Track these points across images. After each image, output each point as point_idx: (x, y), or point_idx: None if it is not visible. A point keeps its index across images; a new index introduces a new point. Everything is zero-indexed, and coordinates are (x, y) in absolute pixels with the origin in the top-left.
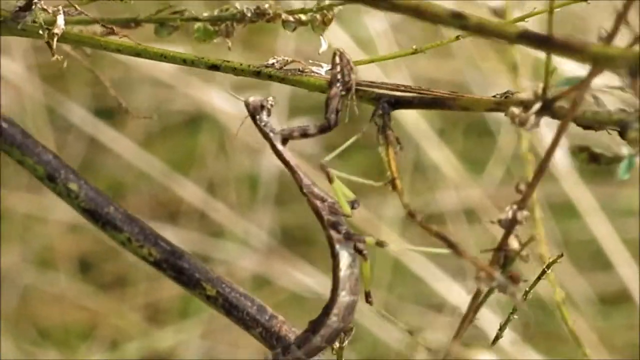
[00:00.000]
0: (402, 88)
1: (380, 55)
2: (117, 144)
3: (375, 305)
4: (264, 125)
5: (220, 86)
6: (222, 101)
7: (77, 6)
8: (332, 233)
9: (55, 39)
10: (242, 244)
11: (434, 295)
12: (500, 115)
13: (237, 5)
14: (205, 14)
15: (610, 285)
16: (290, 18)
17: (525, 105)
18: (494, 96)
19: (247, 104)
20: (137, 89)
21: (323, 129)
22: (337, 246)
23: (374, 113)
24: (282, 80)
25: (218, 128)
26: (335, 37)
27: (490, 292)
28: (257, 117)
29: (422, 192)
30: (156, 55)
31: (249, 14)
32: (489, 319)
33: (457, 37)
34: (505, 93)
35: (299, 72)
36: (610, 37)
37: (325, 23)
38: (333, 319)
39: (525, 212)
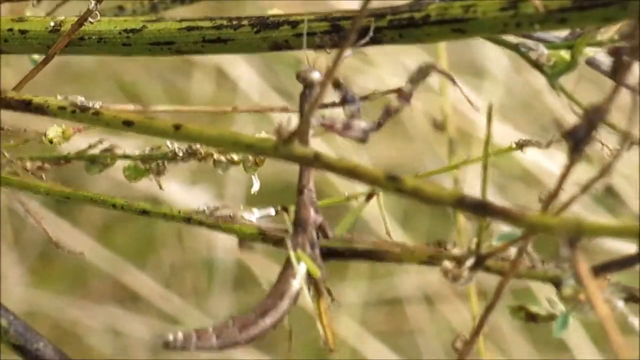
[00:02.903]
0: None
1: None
2: (72, 237)
3: None
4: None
5: (176, 176)
6: (178, 190)
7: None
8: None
9: None
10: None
11: None
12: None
13: (169, 144)
14: (137, 152)
15: None
16: (222, 158)
17: (459, 260)
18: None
19: (300, 75)
20: (95, 177)
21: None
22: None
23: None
24: (212, 227)
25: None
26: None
27: None
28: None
29: (381, 276)
30: (86, 199)
31: (180, 154)
32: None
33: None
34: (437, 242)
35: (229, 219)
36: (548, 201)
37: (257, 163)
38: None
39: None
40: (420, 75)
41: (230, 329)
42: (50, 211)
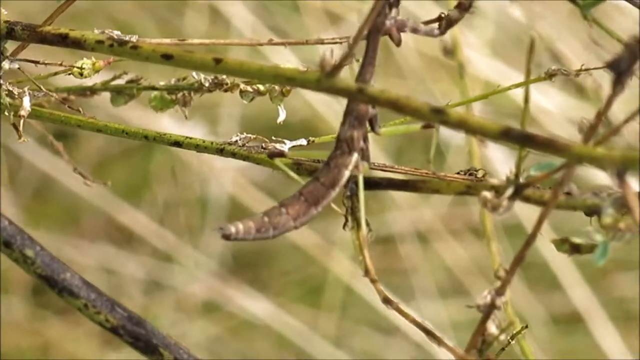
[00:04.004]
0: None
1: None
2: (66, 175)
3: (328, 329)
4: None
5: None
6: (171, 125)
7: (42, 87)
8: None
9: (22, 121)
10: (192, 269)
11: (384, 320)
12: (450, 135)
13: (194, 75)
14: (162, 83)
15: (564, 307)
16: (249, 88)
17: (497, 189)
18: (468, 174)
19: None
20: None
21: (430, 35)
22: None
23: (343, 194)
24: (245, 158)
25: (169, 153)
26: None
27: None
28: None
29: (374, 214)
30: (117, 132)
31: (206, 84)
32: None
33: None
34: (469, 170)
35: (262, 149)
36: (590, 133)
37: (283, 94)
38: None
39: (503, 298)
40: None
41: (283, 217)
42: (46, 149)
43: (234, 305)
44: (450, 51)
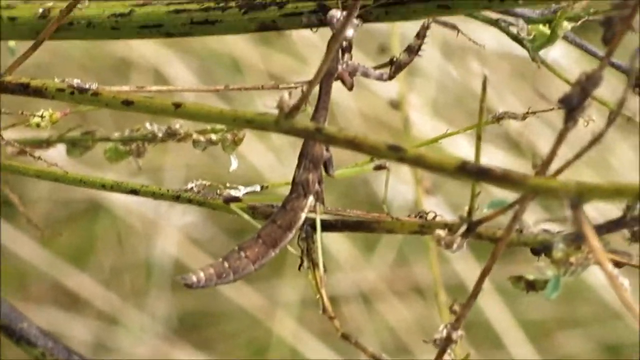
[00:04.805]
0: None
1: None
2: (13, 242)
3: None
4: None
5: (114, 168)
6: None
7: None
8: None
9: None
10: (138, 332)
11: None
12: (393, 195)
13: (148, 125)
14: (117, 134)
15: None
16: (201, 138)
17: (450, 227)
18: (418, 216)
19: (330, 17)
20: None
21: (380, 79)
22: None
23: (298, 237)
24: (201, 203)
25: (114, 217)
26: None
27: None
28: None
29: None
30: (75, 181)
31: (160, 134)
32: None
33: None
34: (419, 213)
35: (218, 196)
36: (544, 167)
37: (235, 143)
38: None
39: (459, 332)
40: (423, 30)
41: (243, 260)
42: None
43: None
44: (396, 104)
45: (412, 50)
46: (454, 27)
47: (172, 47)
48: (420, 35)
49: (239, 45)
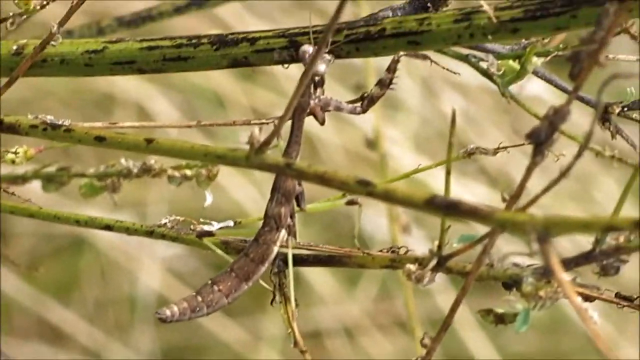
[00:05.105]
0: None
1: None
2: None
3: None
4: (313, 84)
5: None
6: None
7: None
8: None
9: None
10: None
11: None
12: (372, 229)
13: (123, 161)
14: (92, 170)
15: None
16: (176, 174)
17: (420, 262)
18: (390, 251)
19: (302, 53)
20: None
21: (353, 113)
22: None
23: (271, 271)
24: (174, 239)
25: (98, 252)
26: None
27: None
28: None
29: (299, 309)
30: (50, 217)
31: (135, 170)
32: None
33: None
34: (391, 248)
35: (191, 231)
36: (513, 201)
37: (210, 178)
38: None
39: None
40: (394, 64)
41: (216, 294)
42: None
43: None
44: (372, 143)
45: (384, 84)
46: (425, 57)
47: (155, 82)
48: (391, 69)
49: (222, 80)
